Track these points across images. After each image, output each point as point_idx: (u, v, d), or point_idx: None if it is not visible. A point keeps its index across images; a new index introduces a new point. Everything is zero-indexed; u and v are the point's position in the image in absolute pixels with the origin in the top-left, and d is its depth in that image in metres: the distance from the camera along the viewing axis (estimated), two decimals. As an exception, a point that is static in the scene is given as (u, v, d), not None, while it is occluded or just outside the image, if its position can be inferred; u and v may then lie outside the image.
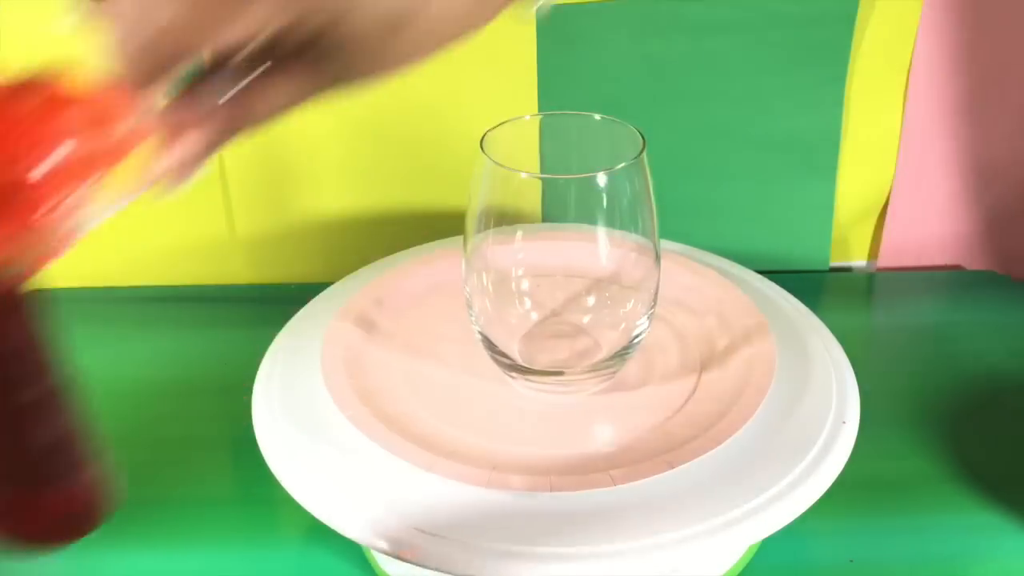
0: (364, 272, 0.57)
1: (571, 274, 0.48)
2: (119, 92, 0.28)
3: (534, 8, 0.37)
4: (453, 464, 0.41)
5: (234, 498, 0.52)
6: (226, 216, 0.73)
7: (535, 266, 0.48)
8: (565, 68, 0.67)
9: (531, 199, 0.43)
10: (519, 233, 0.46)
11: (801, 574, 0.46)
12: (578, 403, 0.47)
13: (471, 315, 0.47)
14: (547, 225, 0.44)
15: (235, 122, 0.36)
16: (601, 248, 0.45)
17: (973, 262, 0.75)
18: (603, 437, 0.45)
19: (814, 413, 0.45)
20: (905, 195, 0.72)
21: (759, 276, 0.57)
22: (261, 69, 0.34)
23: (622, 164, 0.43)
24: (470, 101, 0.68)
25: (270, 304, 0.69)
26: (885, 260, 0.75)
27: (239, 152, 0.70)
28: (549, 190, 0.43)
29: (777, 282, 0.56)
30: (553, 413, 0.46)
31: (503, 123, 0.46)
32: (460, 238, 0.47)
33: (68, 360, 0.46)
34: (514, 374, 0.47)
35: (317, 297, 0.55)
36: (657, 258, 0.46)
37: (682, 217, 0.71)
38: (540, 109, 0.68)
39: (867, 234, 0.75)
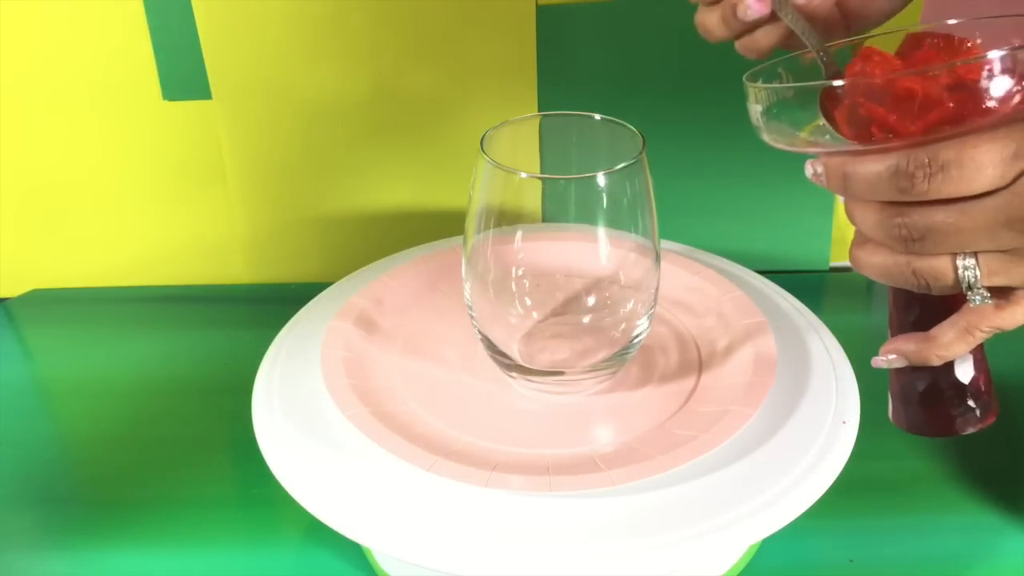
0: (364, 272, 0.57)
1: (571, 274, 0.48)
2: None
3: None
4: (453, 464, 0.41)
5: (234, 498, 0.52)
6: (226, 216, 0.73)
7: (535, 266, 0.48)
8: (565, 68, 0.67)
9: (531, 199, 0.43)
10: (519, 233, 0.46)
11: (801, 574, 0.46)
12: (578, 403, 0.47)
13: (471, 315, 0.47)
14: (547, 225, 0.44)
15: None
16: (601, 248, 0.45)
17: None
18: (603, 437, 0.45)
19: (814, 413, 0.45)
20: (905, 195, 0.72)
21: (759, 276, 0.57)
22: None
23: (622, 164, 0.43)
24: (470, 101, 0.68)
25: (270, 304, 0.69)
26: (885, 260, 0.75)
27: (239, 152, 0.70)
28: (549, 190, 0.43)
29: (777, 282, 0.56)
30: (553, 413, 0.46)
31: (503, 123, 0.46)
32: (460, 238, 0.47)
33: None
34: (514, 374, 0.47)
35: (317, 297, 0.55)
36: (657, 258, 0.46)
37: (682, 217, 0.72)
38: (540, 109, 0.68)
39: (867, 234, 0.75)
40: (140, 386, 0.62)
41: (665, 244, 0.57)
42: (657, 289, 0.47)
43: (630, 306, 0.47)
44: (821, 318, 0.52)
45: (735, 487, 0.40)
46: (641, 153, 0.43)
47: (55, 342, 0.69)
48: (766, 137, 0.36)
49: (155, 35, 0.66)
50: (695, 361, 0.49)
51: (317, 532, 0.47)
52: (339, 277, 0.57)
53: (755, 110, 0.35)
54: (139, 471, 0.54)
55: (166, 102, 0.68)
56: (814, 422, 0.44)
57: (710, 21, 0.44)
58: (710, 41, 0.44)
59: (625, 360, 0.47)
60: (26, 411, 0.60)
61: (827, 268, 0.74)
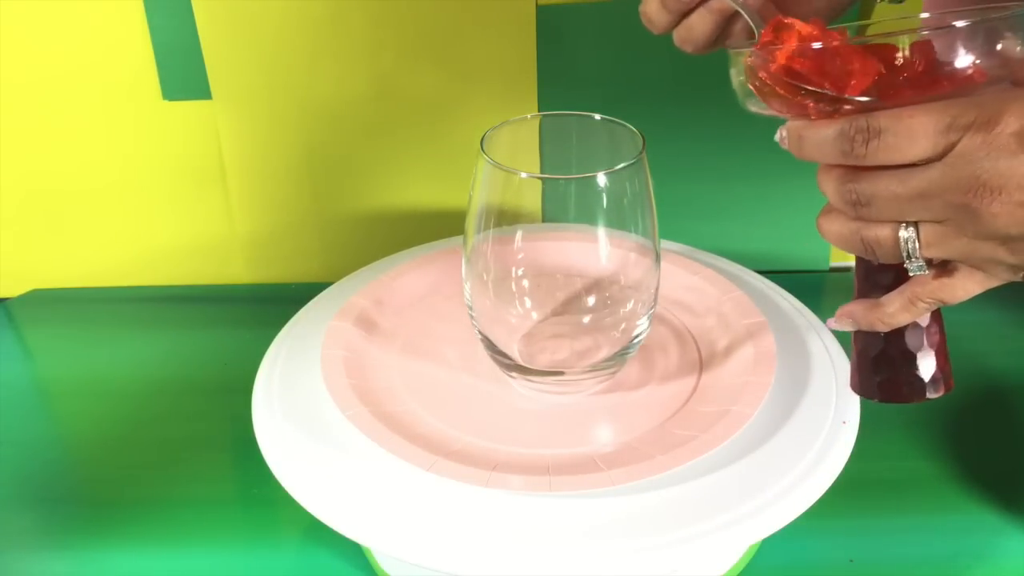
0: (364, 272, 0.57)
1: (571, 274, 0.48)
2: None
3: None
4: (453, 464, 0.41)
5: (234, 498, 0.52)
6: (226, 216, 0.73)
7: (535, 266, 0.48)
8: (565, 68, 0.67)
9: (531, 199, 0.43)
10: (519, 233, 0.46)
11: (801, 574, 0.46)
12: (578, 403, 0.47)
13: (471, 315, 0.47)
14: (547, 225, 0.44)
15: None
16: (601, 248, 0.45)
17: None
18: (603, 437, 0.45)
19: (814, 413, 0.45)
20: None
21: (759, 276, 0.57)
22: None
23: (622, 164, 0.43)
24: (470, 101, 0.68)
25: (270, 304, 0.69)
26: (885, 260, 0.75)
27: (239, 152, 0.70)
28: (549, 190, 0.43)
29: (777, 282, 0.56)
30: (553, 413, 0.46)
31: (503, 123, 0.46)
32: (460, 238, 0.47)
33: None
34: (514, 374, 0.47)
35: (317, 297, 0.55)
36: (657, 258, 0.46)
37: (682, 217, 0.72)
38: (540, 109, 0.68)
39: (867, 234, 0.75)
40: (140, 386, 0.62)
41: (665, 244, 0.57)
42: (657, 289, 0.47)
43: (630, 306, 0.47)
44: (821, 318, 0.52)
45: (735, 487, 0.40)
46: (641, 153, 0.43)
47: (55, 342, 0.69)
48: (750, 105, 0.37)
49: (155, 35, 0.66)
50: (695, 361, 0.49)
51: (317, 532, 0.47)
52: (339, 277, 0.57)
53: (738, 78, 0.36)
54: (139, 471, 0.54)
55: (166, 102, 0.68)
56: (814, 422, 0.44)
57: (651, 8, 0.44)
58: (654, 32, 0.44)
59: (625, 360, 0.47)
60: (26, 411, 0.60)
61: (827, 268, 0.74)
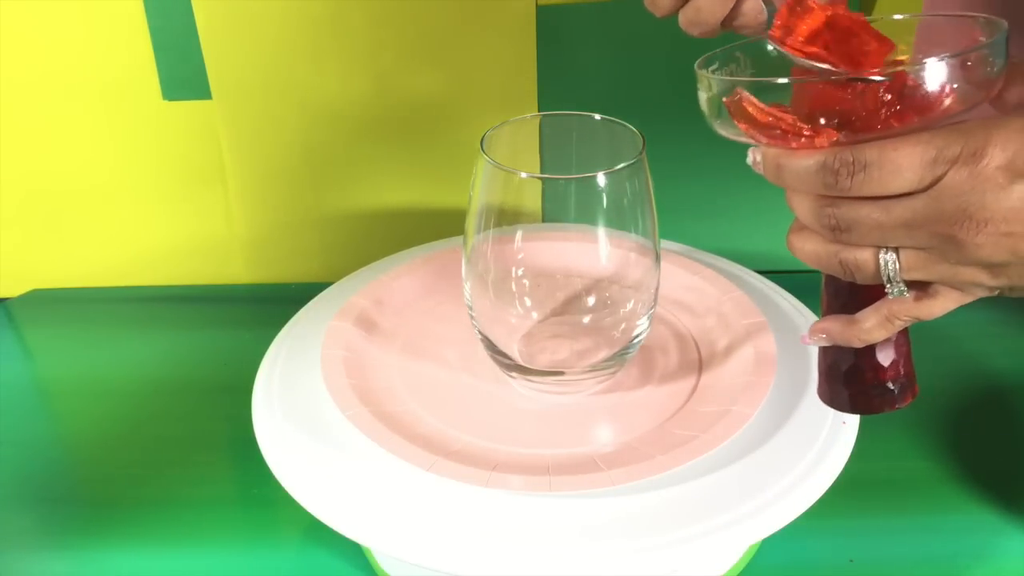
0: (364, 272, 0.57)
1: (571, 274, 0.48)
2: None
3: None
4: (453, 464, 0.41)
5: (234, 498, 0.52)
6: (226, 216, 0.73)
7: (535, 266, 0.48)
8: (565, 68, 0.67)
9: (531, 199, 0.43)
10: (519, 233, 0.46)
11: (801, 574, 0.46)
12: (578, 403, 0.47)
13: (471, 315, 0.47)
14: (547, 225, 0.44)
15: None
16: (601, 248, 0.45)
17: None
18: (603, 437, 0.45)
19: (814, 413, 0.45)
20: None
21: (759, 276, 0.57)
22: None
23: (622, 164, 0.43)
24: (470, 101, 0.68)
25: (270, 304, 0.69)
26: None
27: (239, 152, 0.70)
28: (549, 190, 0.43)
29: (777, 282, 0.56)
30: (553, 413, 0.46)
31: (503, 123, 0.46)
32: (460, 238, 0.47)
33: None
34: (514, 374, 0.47)
35: (317, 297, 0.55)
36: (657, 258, 0.46)
37: (682, 217, 0.72)
38: (540, 109, 0.68)
39: (867, 234, 0.75)
40: (140, 386, 0.62)
41: (665, 244, 0.57)
42: (657, 289, 0.47)
43: (630, 306, 0.47)
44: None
45: (735, 487, 0.40)
46: (641, 153, 0.43)
47: (55, 342, 0.69)
48: (717, 126, 0.36)
49: (155, 35, 0.66)
50: (695, 361, 0.49)
51: (317, 532, 0.47)
52: (339, 277, 0.57)
53: (706, 99, 0.36)
54: (139, 471, 0.54)
55: (166, 102, 0.68)
56: (814, 422, 0.44)
57: None
58: (657, 15, 0.42)
59: (625, 360, 0.47)
60: (26, 411, 0.60)
61: (827, 268, 0.74)
